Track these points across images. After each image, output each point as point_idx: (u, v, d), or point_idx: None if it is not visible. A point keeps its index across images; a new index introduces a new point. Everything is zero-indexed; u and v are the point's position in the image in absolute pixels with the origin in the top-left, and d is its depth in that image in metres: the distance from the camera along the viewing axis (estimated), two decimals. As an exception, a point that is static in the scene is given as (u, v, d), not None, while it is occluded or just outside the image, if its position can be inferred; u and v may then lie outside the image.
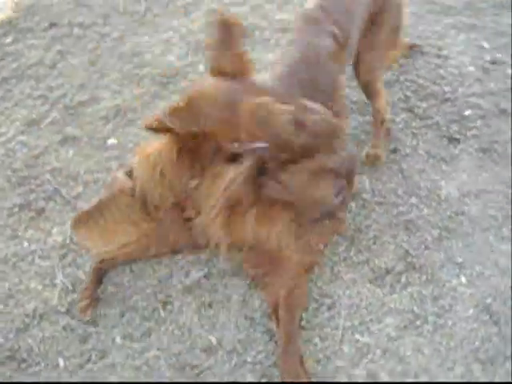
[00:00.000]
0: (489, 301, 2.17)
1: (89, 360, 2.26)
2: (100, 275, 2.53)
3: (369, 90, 2.55)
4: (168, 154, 1.94)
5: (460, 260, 2.30)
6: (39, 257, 2.61)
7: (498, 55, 2.92)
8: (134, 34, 3.49)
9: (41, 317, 2.40)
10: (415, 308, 2.21)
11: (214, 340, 2.28)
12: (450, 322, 2.15)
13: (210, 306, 2.36)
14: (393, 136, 2.68)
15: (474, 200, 2.44)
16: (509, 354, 2.04)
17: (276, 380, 2.11)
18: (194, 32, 3.40)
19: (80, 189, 2.82)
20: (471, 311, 2.17)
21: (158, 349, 2.28)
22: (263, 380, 2.14)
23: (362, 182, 2.58)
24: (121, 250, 2.40)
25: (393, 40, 2.52)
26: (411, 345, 2.11)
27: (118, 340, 2.33)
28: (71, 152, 2.98)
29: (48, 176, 2.89)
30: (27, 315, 2.42)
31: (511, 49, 2.93)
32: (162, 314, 2.37)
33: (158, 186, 2.02)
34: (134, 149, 2.87)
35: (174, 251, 2.51)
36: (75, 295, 2.47)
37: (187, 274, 2.47)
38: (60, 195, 2.82)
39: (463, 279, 2.25)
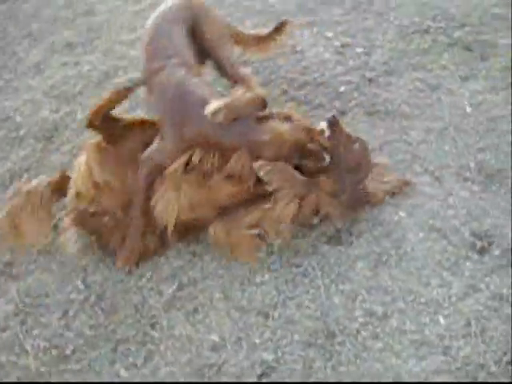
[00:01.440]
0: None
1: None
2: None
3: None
4: None
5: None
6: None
7: (345, 39, 3.59)
8: (-6, 101, 3.54)
9: (28, 386, 2.42)
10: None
11: (216, 338, 2.48)
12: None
13: (196, 311, 2.55)
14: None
15: (378, 152, 3.01)
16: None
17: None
18: (54, 86, 3.56)
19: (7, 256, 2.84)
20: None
21: (167, 365, 2.44)
22: (276, 356, 2.43)
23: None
24: None
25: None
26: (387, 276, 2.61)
27: (123, 373, 2.43)
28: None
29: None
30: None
31: (355, 31, 3.62)
32: (155, 334, 2.50)
33: None
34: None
35: None
36: (53, 352, 2.51)
37: (160, 293, 2.64)
38: (-14, 269, 2.80)
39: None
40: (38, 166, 3.15)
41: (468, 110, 3.10)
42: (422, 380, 2.26)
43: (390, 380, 2.28)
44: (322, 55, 3.48)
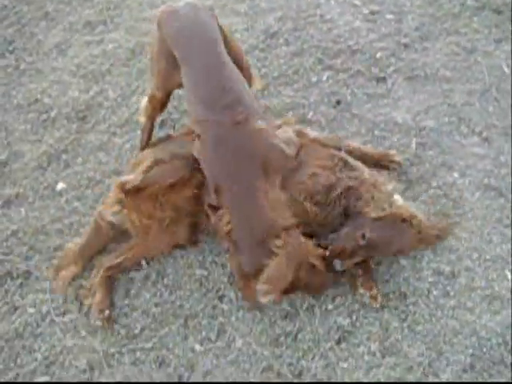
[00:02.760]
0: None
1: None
2: (108, 284, 2.63)
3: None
4: None
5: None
6: (56, 315, 2.57)
7: (373, 7, 3.60)
8: (18, 85, 3.44)
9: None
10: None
11: (287, 306, 2.48)
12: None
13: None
14: (332, 90, 3.19)
15: (424, 116, 3.06)
16: None
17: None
18: (81, 66, 3.49)
19: (57, 240, 2.82)
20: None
21: (242, 336, 2.44)
22: (351, 320, 2.45)
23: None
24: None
25: None
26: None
27: (198, 347, 2.44)
28: (23, 210, 2.93)
29: (14, 240, 2.81)
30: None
31: (380, 0, 3.60)
32: (224, 306, 2.51)
33: None
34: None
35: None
36: (120, 332, 2.51)
37: (224, 265, 2.63)
38: (39, 252, 2.77)
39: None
40: (75, 146, 3.10)
41: (506, 70, 3.16)
42: (498, 335, 2.34)
43: (468, 335, 2.35)
44: (352, 23, 3.48)
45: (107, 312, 2.53)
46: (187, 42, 2.57)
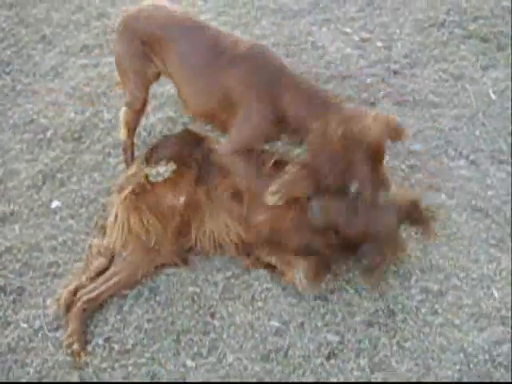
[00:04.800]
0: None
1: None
2: (83, 318, 2.63)
3: None
4: None
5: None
6: (49, 330, 2.61)
7: (364, 34, 3.75)
8: (15, 105, 3.54)
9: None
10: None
11: (277, 323, 2.55)
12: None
13: (253, 299, 2.63)
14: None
15: (413, 140, 3.14)
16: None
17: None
18: (77, 88, 3.60)
19: (51, 257, 2.88)
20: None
21: (233, 352, 2.49)
22: (341, 337, 2.52)
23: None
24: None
25: None
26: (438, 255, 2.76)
27: (189, 363, 2.48)
28: (17, 228, 3.00)
29: (8, 256, 2.88)
30: None
31: (373, 27, 3.80)
32: (216, 323, 2.57)
33: None
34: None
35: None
36: (112, 347, 2.55)
37: (215, 283, 2.71)
38: (33, 269, 2.83)
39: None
40: (70, 166, 3.19)
41: (493, 96, 3.30)
42: (485, 351, 2.42)
43: (456, 352, 2.42)
44: (343, 50, 3.64)
45: (76, 346, 2.52)
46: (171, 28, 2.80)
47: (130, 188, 2.78)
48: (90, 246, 2.84)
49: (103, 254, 2.79)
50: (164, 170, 2.77)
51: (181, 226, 2.79)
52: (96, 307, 2.66)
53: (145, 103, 3.00)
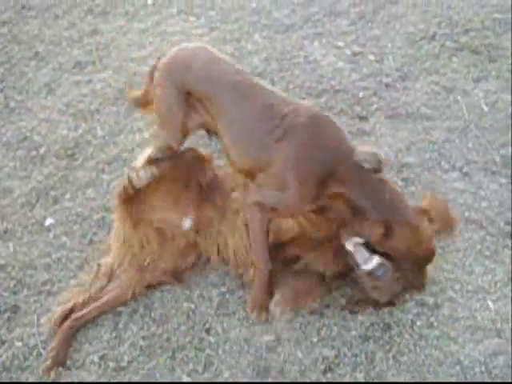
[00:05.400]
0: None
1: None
2: (69, 335, 2.62)
3: None
4: None
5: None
6: (43, 348, 2.59)
7: (355, 48, 3.79)
8: (8, 122, 3.56)
9: None
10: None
11: (273, 338, 2.54)
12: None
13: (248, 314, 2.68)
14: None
15: (406, 153, 3.18)
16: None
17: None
18: (70, 105, 3.62)
19: (45, 274, 2.88)
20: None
21: (229, 368, 2.49)
22: (336, 351, 2.51)
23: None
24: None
25: None
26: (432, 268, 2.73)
27: (186, 379, 2.46)
28: (11, 245, 3.00)
29: (2, 274, 2.87)
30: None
31: (364, 40, 3.84)
32: (211, 339, 2.56)
33: None
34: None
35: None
36: (107, 364, 2.53)
37: (210, 299, 2.70)
38: (27, 287, 2.82)
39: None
40: (64, 183, 3.20)
41: (485, 108, 3.32)
42: (482, 363, 2.42)
43: (452, 365, 2.42)
44: (335, 64, 3.67)
45: (48, 362, 2.51)
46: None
47: (118, 192, 2.74)
48: (99, 266, 2.80)
49: (106, 273, 2.78)
50: (144, 173, 2.70)
51: (184, 248, 2.78)
52: (81, 325, 2.64)
53: (175, 153, 2.86)
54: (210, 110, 2.67)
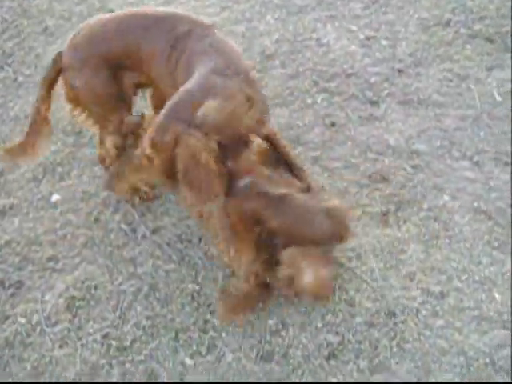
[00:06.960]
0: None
1: None
2: None
3: None
4: None
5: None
6: (47, 325, 2.60)
7: (369, 32, 3.73)
8: (16, 97, 3.52)
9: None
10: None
11: (278, 322, 2.52)
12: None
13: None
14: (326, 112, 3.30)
15: (416, 140, 3.15)
16: None
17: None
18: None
19: (50, 251, 2.87)
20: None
21: (232, 351, 2.47)
22: (341, 338, 2.50)
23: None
24: None
25: None
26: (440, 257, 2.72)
27: (188, 361, 2.47)
28: (16, 221, 2.98)
29: (7, 250, 2.86)
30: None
31: (378, 25, 3.76)
32: (216, 321, 2.55)
33: None
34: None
35: None
36: (110, 344, 2.54)
37: (215, 280, 2.70)
38: (32, 263, 2.82)
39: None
40: (71, 160, 3.17)
41: (498, 98, 3.27)
42: (486, 355, 2.40)
43: (456, 355, 2.40)
44: (347, 48, 3.60)
45: None
46: None
47: None
48: None
49: None
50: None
51: None
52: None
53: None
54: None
